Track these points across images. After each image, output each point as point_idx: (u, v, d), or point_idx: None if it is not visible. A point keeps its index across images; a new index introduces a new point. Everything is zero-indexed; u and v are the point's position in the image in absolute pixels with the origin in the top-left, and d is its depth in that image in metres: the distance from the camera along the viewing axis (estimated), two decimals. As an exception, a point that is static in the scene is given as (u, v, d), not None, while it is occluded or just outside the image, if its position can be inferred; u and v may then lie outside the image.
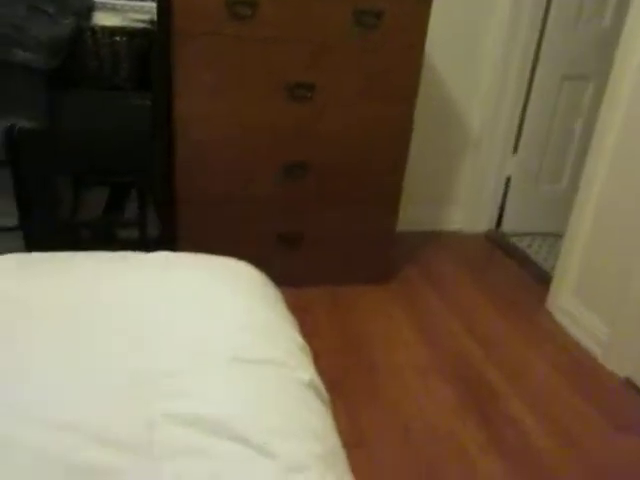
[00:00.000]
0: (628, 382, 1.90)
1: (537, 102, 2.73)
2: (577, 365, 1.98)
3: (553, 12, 2.58)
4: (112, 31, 1.79)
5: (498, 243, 2.85)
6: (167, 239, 2.18)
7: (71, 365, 0.88)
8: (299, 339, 1.08)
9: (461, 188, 2.93)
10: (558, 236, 2.56)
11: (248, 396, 0.87)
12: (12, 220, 1.99)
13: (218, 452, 0.75)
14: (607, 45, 2.39)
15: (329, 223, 2.21)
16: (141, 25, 1.89)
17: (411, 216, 2.78)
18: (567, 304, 2.19)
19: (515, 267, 2.65)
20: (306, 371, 0.98)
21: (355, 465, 1.45)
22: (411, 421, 1.64)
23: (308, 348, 1.09)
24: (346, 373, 1.82)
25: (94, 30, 1.77)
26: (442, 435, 1.61)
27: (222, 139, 1.99)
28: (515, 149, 2.85)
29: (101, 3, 1.97)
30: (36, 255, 1.22)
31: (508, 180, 2.90)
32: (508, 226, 2.94)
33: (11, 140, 1.82)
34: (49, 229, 2.09)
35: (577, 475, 1.51)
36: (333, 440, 0.87)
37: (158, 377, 0.87)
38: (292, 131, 2.03)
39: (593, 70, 2.68)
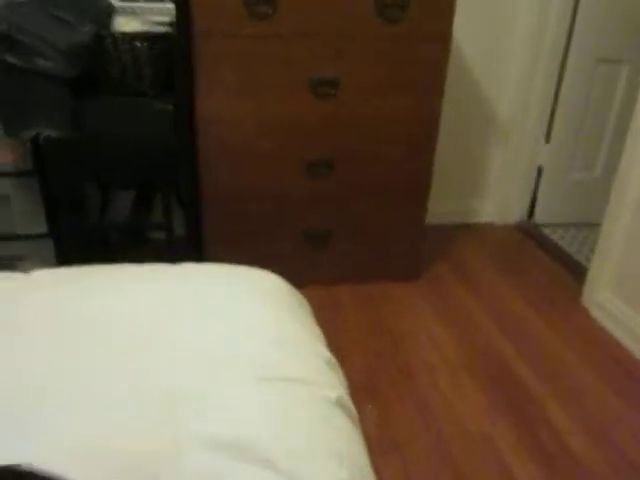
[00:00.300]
0: (669, 380, 1.83)
1: (570, 87, 2.63)
2: (615, 364, 1.92)
3: (586, -7, 2.47)
4: (132, 36, 1.78)
5: (530, 235, 2.78)
6: (194, 239, 2.18)
7: (92, 383, 0.88)
8: (326, 353, 1.06)
9: (492, 179, 2.85)
10: (593, 226, 2.47)
11: (275, 417, 0.85)
12: (42, 227, 2.01)
13: (242, 476, 0.74)
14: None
15: (357, 219, 2.18)
16: (162, 29, 1.87)
17: (441, 209, 2.73)
18: (604, 299, 2.12)
19: (548, 260, 2.57)
20: (334, 389, 0.96)
21: (387, 472, 1.45)
22: (443, 424, 1.61)
23: (334, 361, 1.07)
24: (376, 373, 1.80)
25: (114, 36, 1.77)
26: (475, 438, 1.57)
27: (246, 138, 1.97)
28: (547, 137, 2.76)
29: (121, 7, 1.97)
30: (63, 270, 1.22)
31: (540, 169, 2.82)
32: (540, 217, 2.85)
33: (37, 149, 1.84)
34: (77, 234, 2.12)
35: (614, 478, 1.46)
36: (360, 461, 0.85)
37: (185, 397, 0.86)
38: (317, 128, 2.00)
39: (627, 53, 2.56)
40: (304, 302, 1.31)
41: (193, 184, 2.09)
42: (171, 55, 1.84)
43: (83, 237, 2.08)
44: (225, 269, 1.24)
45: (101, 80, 1.82)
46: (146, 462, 0.76)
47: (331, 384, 0.99)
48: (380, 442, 1.54)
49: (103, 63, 1.79)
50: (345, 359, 1.82)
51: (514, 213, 2.86)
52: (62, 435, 0.78)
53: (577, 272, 2.39)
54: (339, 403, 0.96)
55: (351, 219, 2.18)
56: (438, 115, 2.07)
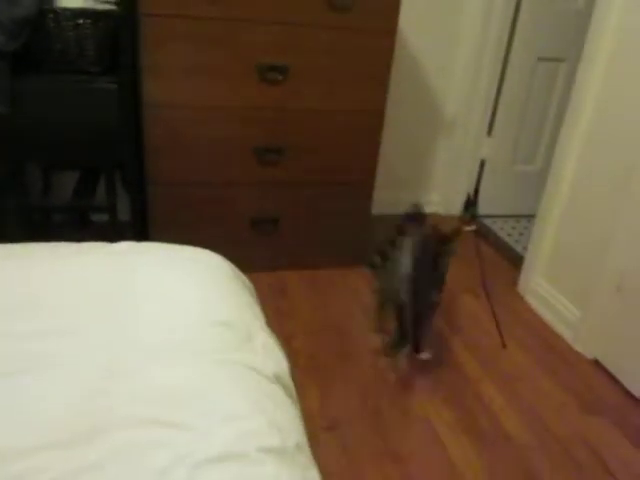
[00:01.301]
0: (597, 364, 1.94)
1: (512, 84, 2.72)
2: (547, 347, 2.02)
3: (527, -7, 2.56)
4: (76, 13, 1.73)
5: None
6: (139, 223, 2.15)
7: (29, 358, 0.87)
8: (265, 334, 1.08)
9: (437, 170, 2.93)
10: (532, 217, 2.58)
11: (211, 389, 0.87)
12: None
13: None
14: (580, 27, 2.38)
15: (304, 206, 2.20)
16: (107, 6, 1.83)
17: (387, 199, 2.78)
18: (538, 286, 2.22)
19: (488, 249, 2.67)
20: (271, 366, 0.98)
21: (327, 448, 1.48)
22: (382, 404, 1.66)
23: (273, 342, 1.09)
24: (320, 355, 1.83)
25: (57, 12, 1.72)
26: (413, 418, 1.63)
27: (193, 122, 1.96)
28: (490, 131, 2.85)
29: (64, -18, 1.91)
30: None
31: (483, 162, 2.91)
32: (483, 209, 2.94)
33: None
34: (20, 213, 2.06)
35: (545, 455, 1.54)
36: (295, 436, 0.87)
37: (121, 375, 0.87)
38: (265, 114, 2.01)
39: (567, 52, 2.68)
40: (247, 282, 1.32)
41: (139, 167, 2.06)
42: (116, 34, 1.80)
43: (25, 217, 2.02)
44: (166, 248, 1.24)
45: (43, 56, 1.77)
46: (78, 433, 0.76)
47: (268, 362, 1.01)
48: (322, 419, 1.57)
49: (45, 39, 1.73)
50: (289, 341, 1.86)
51: (458, 204, 2.95)
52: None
53: (515, 261, 2.50)
54: (277, 379, 0.99)
55: (299, 206, 2.20)
56: (383, 107, 2.11)
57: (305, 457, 0.85)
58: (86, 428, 0.77)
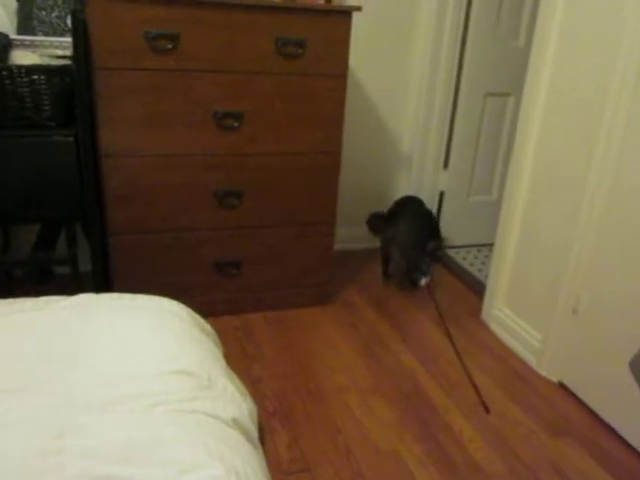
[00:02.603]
0: (561, 386, 1.98)
1: (463, 118, 2.84)
2: (512, 373, 2.05)
3: (471, 34, 2.70)
4: (30, 69, 1.76)
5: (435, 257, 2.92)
6: (102, 274, 2.14)
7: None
8: (224, 379, 1.08)
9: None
10: (492, 246, 2.65)
11: (165, 437, 0.86)
12: None
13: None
14: (524, 63, 2.51)
15: (267, 248, 2.22)
16: (61, 62, 1.86)
17: (350, 235, 2.84)
18: (500, 313, 2.27)
19: (452, 279, 2.72)
20: (229, 411, 0.98)
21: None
22: (352, 442, 1.66)
23: (234, 386, 1.09)
24: (288, 397, 1.82)
25: (11, 69, 1.74)
26: (383, 454, 1.63)
27: (151, 170, 1.98)
28: (446, 164, 2.95)
29: (19, 41, 1.94)
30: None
31: (442, 195, 2.99)
32: (445, 239, 3.02)
33: None
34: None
35: (511, 478, 1.56)
36: (257, 478, 0.87)
37: (75, 431, 0.86)
38: (223, 160, 2.04)
39: (513, 86, 2.81)
40: (207, 328, 1.32)
41: (99, 218, 2.06)
42: (72, 88, 1.83)
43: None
44: (123, 297, 1.24)
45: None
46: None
47: (228, 408, 1.01)
48: (291, 463, 1.56)
49: (0, 96, 1.75)
50: (257, 384, 1.86)
51: (420, 237, 3.00)
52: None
53: (478, 290, 2.55)
54: (236, 425, 0.99)
55: (261, 248, 2.22)
56: (339, 148, 2.17)
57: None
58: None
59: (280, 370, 1.96)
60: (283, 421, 1.72)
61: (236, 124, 1.99)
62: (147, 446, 0.83)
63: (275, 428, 1.69)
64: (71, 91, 1.85)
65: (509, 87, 2.83)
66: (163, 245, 2.09)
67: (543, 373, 2.03)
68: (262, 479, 0.90)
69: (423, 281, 2.50)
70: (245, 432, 0.99)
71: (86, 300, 1.23)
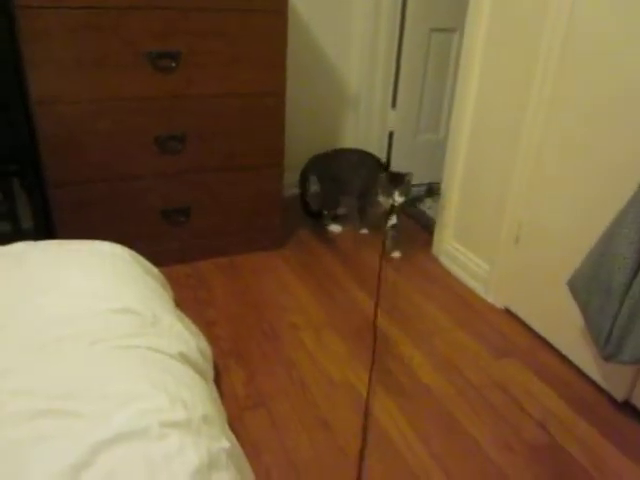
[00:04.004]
0: (507, 312, 2.06)
1: (409, 56, 2.82)
2: (461, 302, 2.12)
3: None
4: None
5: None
6: (44, 229, 2.07)
7: None
8: (169, 317, 1.08)
9: (347, 147, 2.98)
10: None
11: (107, 371, 0.86)
12: None
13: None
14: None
15: (215, 193, 2.19)
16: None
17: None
18: (449, 247, 2.33)
19: (403, 218, 2.76)
20: (174, 346, 0.98)
21: (256, 424, 1.50)
22: (307, 377, 1.70)
23: (181, 324, 1.09)
24: (243, 339, 1.84)
25: None
26: (337, 384, 1.67)
27: (88, 116, 1.89)
28: (394, 103, 2.93)
29: None
30: None
31: (391, 134, 2.99)
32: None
33: None
34: None
35: (463, 402, 1.63)
36: (201, 408, 0.87)
37: (10, 374, 0.84)
38: (162, 102, 1.97)
39: (458, 22, 2.78)
40: (153, 270, 1.31)
41: (36, 170, 1.98)
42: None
43: None
44: (64, 243, 1.21)
45: None
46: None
47: (173, 343, 1.01)
48: (247, 398, 1.59)
49: None
50: (211, 328, 1.86)
51: (371, 178, 3.02)
52: None
53: (428, 227, 2.60)
54: (183, 358, 0.99)
55: (209, 193, 2.18)
56: (283, 88, 2.12)
57: (214, 429, 0.86)
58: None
59: (234, 313, 1.97)
60: (238, 360, 1.74)
61: (173, 64, 1.91)
62: (88, 381, 0.83)
63: (230, 367, 1.71)
64: (-8, 33, 1.74)
65: (454, 22, 2.81)
66: (106, 195, 2.03)
67: (490, 300, 2.11)
68: (212, 409, 0.91)
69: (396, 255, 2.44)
70: (193, 365, 1.00)
71: (23, 247, 1.19)
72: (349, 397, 1.63)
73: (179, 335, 1.06)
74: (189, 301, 2.01)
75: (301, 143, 2.79)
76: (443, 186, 2.33)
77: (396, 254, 2.42)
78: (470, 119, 2.12)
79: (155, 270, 1.34)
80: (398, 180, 2.26)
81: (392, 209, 2.32)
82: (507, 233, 1.99)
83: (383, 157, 3.02)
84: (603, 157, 1.58)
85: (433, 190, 2.68)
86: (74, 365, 0.85)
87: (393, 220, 2.37)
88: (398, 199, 2.27)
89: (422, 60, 2.85)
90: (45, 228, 2.07)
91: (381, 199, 2.30)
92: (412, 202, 2.49)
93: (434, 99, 2.96)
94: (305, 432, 1.50)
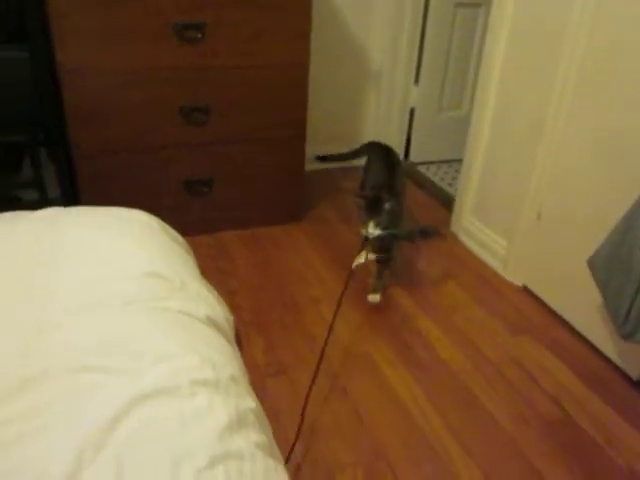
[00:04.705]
0: (525, 289, 2.07)
1: (433, 31, 2.78)
2: (479, 279, 2.13)
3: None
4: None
5: (406, 173, 2.94)
6: (69, 198, 2.12)
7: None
8: (196, 283, 1.11)
9: (368, 123, 2.98)
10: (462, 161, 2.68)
11: (142, 329, 0.90)
12: None
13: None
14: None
15: (237, 165, 2.21)
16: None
17: (323, 153, 2.82)
18: (468, 224, 2.33)
19: (422, 195, 2.76)
20: (202, 310, 1.02)
21: (275, 390, 1.54)
22: (327, 347, 1.73)
23: (206, 290, 1.12)
24: (263, 309, 1.88)
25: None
26: (355, 355, 1.71)
27: (114, 86, 1.92)
28: (417, 79, 2.91)
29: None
30: None
31: (412, 111, 2.97)
32: (416, 156, 3.04)
33: None
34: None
35: (479, 376, 1.66)
36: (229, 369, 0.91)
37: (55, 329, 0.88)
38: (187, 73, 1.99)
39: (484, -5, 2.74)
40: (179, 238, 1.34)
41: (63, 141, 2.01)
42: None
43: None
44: (94, 209, 1.25)
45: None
46: (10, 387, 0.78)
47: (201, 307, 1.04)
48: (268, 366, 1.63)
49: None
50: (232, 297, 1.90)
51: (390, 154, 3.01)
52: None
53: (448, 204, 2.59)
54: (210, 322, 1.02)
55: (232, 165, 2.20)
56: (306, 60, 2.12)
57: (240, 388, 0.89)
58: (18, 381, 0.79)
59: (255, 284, 2.01)
60: (259, 330, 1.78)
61: (199, 35, 1.92)
62: (122, 340, 0.86)
63: (251, 336, 1.75)
64: (22, 3, 1.75)
65: (480, -3, 2.76)
66: (131, 166, 2.06)
67: (508, 278, 2.12)
68: (238, 371, 0.95)
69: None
70: (219, 329, 1.03)
71: (56, 212, 1.23)
72: (367, 367, 1.66)
73: (205, 300, 1.09)
74: (211, 271, 2.04)
75: (322, 118, 2.78)
76: (465, 162, 2.32)
77: (374, 298, 1.89)
78: (495, 94, 2.10)
79: (180, 238, 1.37)
80: (377, 207, 1.77)
81: (364, 243, 1.81)
82: (528, 210, 1.98)
83: (404, 134, 3.01)
84: (630, 138, 1.57)
85: (428, 233, 2.08)
86: (110, 324, 0.89)
87: (360, 258, 1.83)
88: (372, 231, 1.75)
89: (447, 35, 2.81)
90: (71, 197, 2.12)
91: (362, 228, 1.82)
92: (391, 239, 1.77)
93: (458, 75, 2.92)
94: (322, 399, 1.54)
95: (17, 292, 0.96)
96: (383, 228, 1.74)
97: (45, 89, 1.87)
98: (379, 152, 2.25)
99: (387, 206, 1.74)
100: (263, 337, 1.75)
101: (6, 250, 1.08)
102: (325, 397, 1.55)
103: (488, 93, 2.12)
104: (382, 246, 1.79)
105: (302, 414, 1.43)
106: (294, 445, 1.35)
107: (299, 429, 1.39)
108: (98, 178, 2.04)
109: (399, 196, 1.90)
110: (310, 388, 1.49)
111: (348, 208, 2.58)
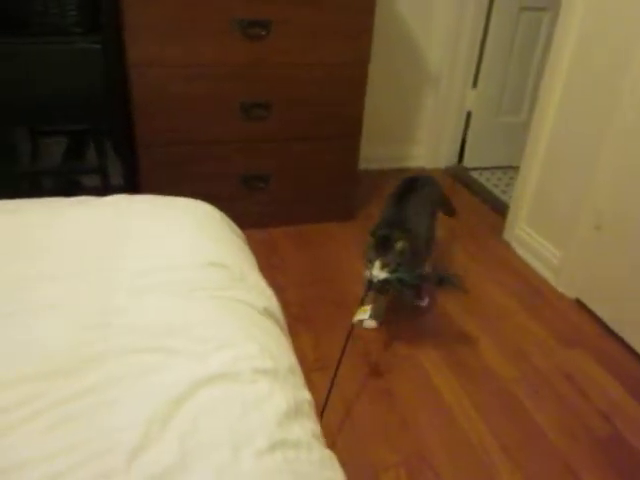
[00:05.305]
0: (578, 302, 2.02)
1: (495, 34, 2.74)
2: (530, 289, 2.09)
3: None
4: (56, -28, 1.74)
5: (459, 178, 2.92)
6: (130, 185, 2.19)
7: (34, 300, 0.92)
8: (255, 274, 1.14)
9: (423, 124, 2.96)
10: (517, 168, 2.63)
11: (203, 316, 0.93)
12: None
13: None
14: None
15: (294, 162, 2.24)
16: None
17: (374, 154, 2.82)
18: (522, 232, 2.29)
19: (475, 201, 2.73)
20: (261, 301, 1.04)
21: (320, 386, 1.56)
22: (373, 346, 1.74)
23: (264, 282, 1.14)
24: (312, 305, 1.90)
25: (36, -29, 1.72)
26: (401, 356, 1.71)
27: (179, 80, 1.97)
28: (475, 82, 2.88)
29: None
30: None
31: (469, 114, 2.94)
32: (469, 161, 3.00)
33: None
34: (8, 178, 2.08)
35: (527, 386, 1.63)
36: (287, 360, 0.93)
37: (120, 312, 0.92)
38: (250, 70, 2.03)
39: (550, 0, 2.68)
40: (238, 230, 1.37)
41: (127, 128, 2.08)
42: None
43: (14, 181, 2.05)
44: (158, 198, 1.29)
45: (24, 19, 1.77)
46: (77, 362, 0.82)
47: (260, 298, 1.07)
48: (315, 361, 1.65)
49: (26, 0, 1.74)
50: (281, 293, 1.90)
51: (444, 158, 2.99)
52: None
53: (501, 211, 2.55)
54: (267, 312, 1.05)
55: (289, 161, 2.23)
56: (367, 59, 2.13)
57: (297, 379, 0.92)
58: (85, 358, 0.82)
59: (304, 280, 2.03)
60: (307, 325, 1.81)
61: (263, 32, 1.95)
62: (186, 324, 0.90)
63: (299, 331, 1.77)
64: (96, -4, 1.83)
65: (546, 1, 2.70)
66: (191, 157, 2.12)
67: (560, 289, 2.07)
68: (293, 361, 0.97)
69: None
70: (276, 321, 1.06)
71: (123, 199, 1.28)
72: (412, 369, 1.66)
73: (263, 292, 1.12)
74: (261, 266, 2.06)
75: (377, 118, 2.78)
76: (521, 169, 2.28)
77: (370, 323, 1.80)
78: (558, 101, 2.06)
79: (239, 231, 1.40)
80: (385, 246, 1.57)
81: (369, 286, 1.60)
82: (586, 221, 1.94)
83: (459, 138, 2.98)
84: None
85: (444, 281, 1.84)
86: (175, 309, 0.92)
87: (363, 313, 1.58)
88: (378, 274, 1.55)
89: (508, 39, 2.77)
90: (132, 185, 2.19)
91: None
92: (402, 286, 1.59)
93: (518, 80, 2.87)
94: (366, 398, 1.55)
95: (85, 273, 1.01)
96: (391, 271, 1.55)
97: (114, 81, 1.94)
98: (404, 184, 1.91)
99: (400, 246, 1.55)
100: (310, 333, 1.78)
101: (75, 232, 1.12)
102: (371, 397, 1.56)
103: (551, 100, 2.08)
104: (386, 291, 1.65)
105: (321, 414, 1.41)
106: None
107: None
108: (158, 168, 2.10)
109: (421, 236, 1.73)
110: (329, 391, 1.49)
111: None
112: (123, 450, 0.69)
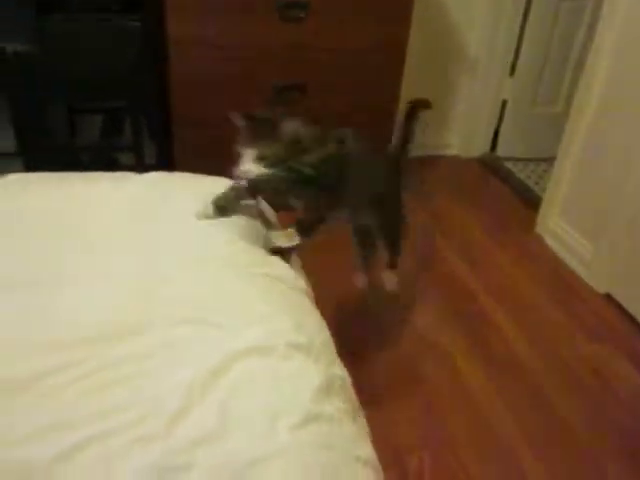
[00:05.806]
0: (608, 297, 1.99)
1: (535, 23, 2.69)
2: (561, 282, 2.07)
3: None
4: (99, -51, 1.75)
5: (492, 168, 2.88)
6: (164, 164, 2.22)
7: (79, 274, 0.95)
8: (296, 257, 1.15)
9: (457, 112, 2.92)
10: (551, 160, 2.58)
11: (240, 291, 0.95)
12: (10, 145, 2.02)
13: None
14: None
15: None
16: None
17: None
18: (555, 226, 2.26)
19: (507, 192, 2.69)
20: (300, 281, 1.06)
21: (350, 373, 1.57)
22: (400, 334, 1.74)
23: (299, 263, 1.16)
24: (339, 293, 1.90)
25: (80, -52, 1.74)
26: (428, 343, 1.71)
27: (216, 60, 1.98)
28: (512, 71, 2.83)
29: None
30: (33, 175, 1.27)
31: (504, 103, 2.89)
32: (503, 150, 2.96)
33: (2, 63, 1.82)
34: (47, 154, 2.13)
35: (553, 377, 1.63)
36: (322, 337, 0.94)
37: (159, 284, 0.95)
38: (286, 52, 2.02)
39: (592, -10, 2.62)
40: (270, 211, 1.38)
41: (162, 107, 2.10)
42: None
43: (52, 157, 2.09)
44: (195, 176, 1.31)
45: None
46: (121, 329, 0.84)
47: (298, 278, 1.08)
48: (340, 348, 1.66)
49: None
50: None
51: (478, 146, 2.95)
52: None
53: (534, 203, 2.51)
54: (302, 290, 1.06)
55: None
56: (405, 44, 2.11)
57: (330, 354, 0.93)
58: (128, 326, 0.85)
59: (329, 276, 2.02)
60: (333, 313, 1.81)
61: (302, 15, 1.95)
62: (225, 297, 0.92)
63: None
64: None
65: (588, -9, 2.64)
66: (223, 137, 2.12)
67: (591, 284, 2.04)
68: (326, 338, 0.98)
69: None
70: (311, 298, 1.07)
71: (160, 176, 1.30)
72: (441, 357, 1.67)
73: (301, 272, 1.14)
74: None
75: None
76: (557, 161, 2.25)
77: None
78: (598, 94, 2.01)
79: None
80: (264, 127, 1.15)
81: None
82: (622, 217, 1.90)
83: (492, 126, 2.94)
84: None
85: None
86: (215, 283, 0.94)
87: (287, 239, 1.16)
88: (247, 168, 1.13)
89: (548, 29, 2.70)
90: (165, 164, 2.22)
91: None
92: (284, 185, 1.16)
93: (556, 70, 2.81)
94: (398, 383, 1.56)
95: (131, 245, 1.03)
96: (270, 165, 1.07)
97: (152, 59, 1.96)
98: None
99: (287, 129, 1.12)
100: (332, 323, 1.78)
101: (117, 206, 1.15)
102: (399, 381, 1.57)
103: (590, 91, 2.03)
104: (257, 192, 1.15)
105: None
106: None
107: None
108: (192, 147, 2.12)
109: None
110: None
111: (429, 197, 2.55)
112: (163, 415, 0.71)
